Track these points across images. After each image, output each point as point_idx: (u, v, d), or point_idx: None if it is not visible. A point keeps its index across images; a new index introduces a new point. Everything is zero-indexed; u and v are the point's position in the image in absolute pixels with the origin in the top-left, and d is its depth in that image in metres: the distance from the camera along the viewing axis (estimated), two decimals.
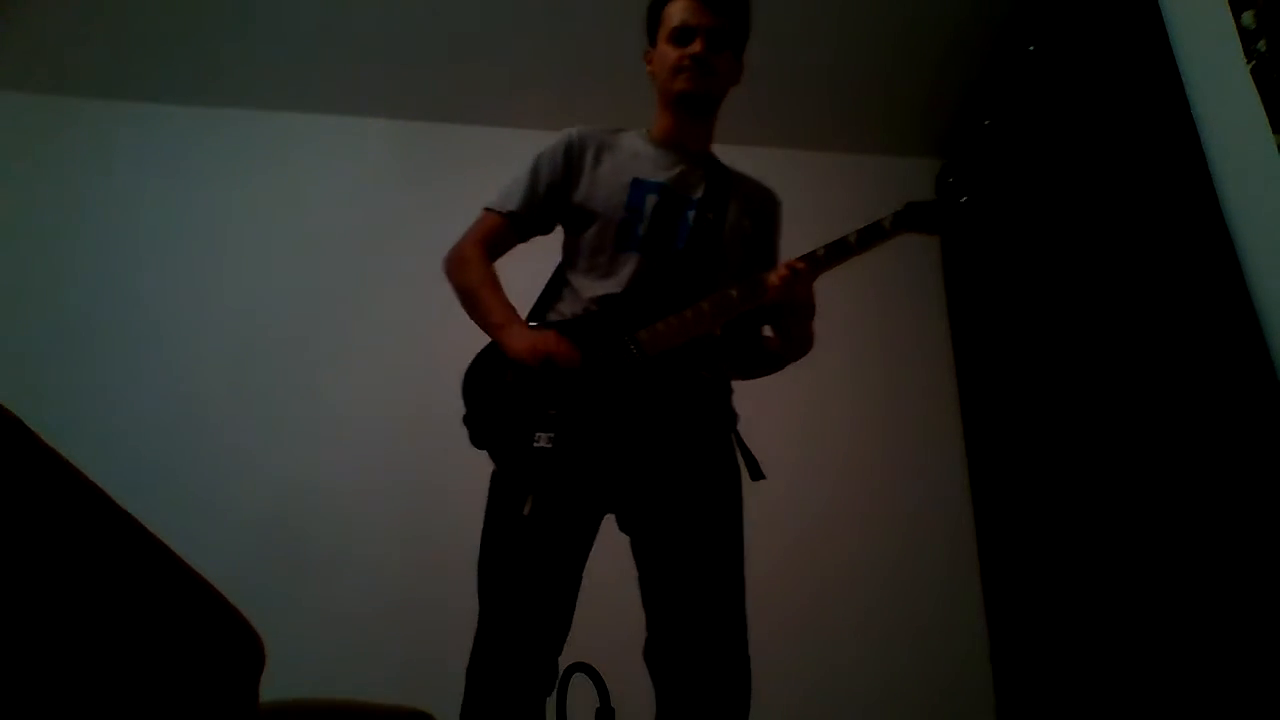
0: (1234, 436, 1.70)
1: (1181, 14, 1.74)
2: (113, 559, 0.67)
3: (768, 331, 1.58)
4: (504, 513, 1.41)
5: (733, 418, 1.53)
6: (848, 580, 2.67)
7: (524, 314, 1.51)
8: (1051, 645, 2.35)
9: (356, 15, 2.73)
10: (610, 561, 1.45)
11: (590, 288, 1.49)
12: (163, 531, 0.72)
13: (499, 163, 1.70)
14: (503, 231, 1.57)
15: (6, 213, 2.83)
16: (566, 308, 1.51)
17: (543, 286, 1.59)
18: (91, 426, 2.47)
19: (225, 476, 2.58)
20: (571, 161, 1.56)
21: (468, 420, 1.44)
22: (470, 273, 1.52)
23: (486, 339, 1.48)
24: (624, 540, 1.48)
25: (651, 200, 1.50)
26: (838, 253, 1.40)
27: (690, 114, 1.59)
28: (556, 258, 1.60)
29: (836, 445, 2.83)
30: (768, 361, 1.58)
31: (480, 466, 1.44)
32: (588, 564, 1.43)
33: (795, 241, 1.49)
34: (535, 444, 1.31)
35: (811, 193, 2.62)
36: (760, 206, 1.65)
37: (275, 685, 0.96)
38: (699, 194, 1.54)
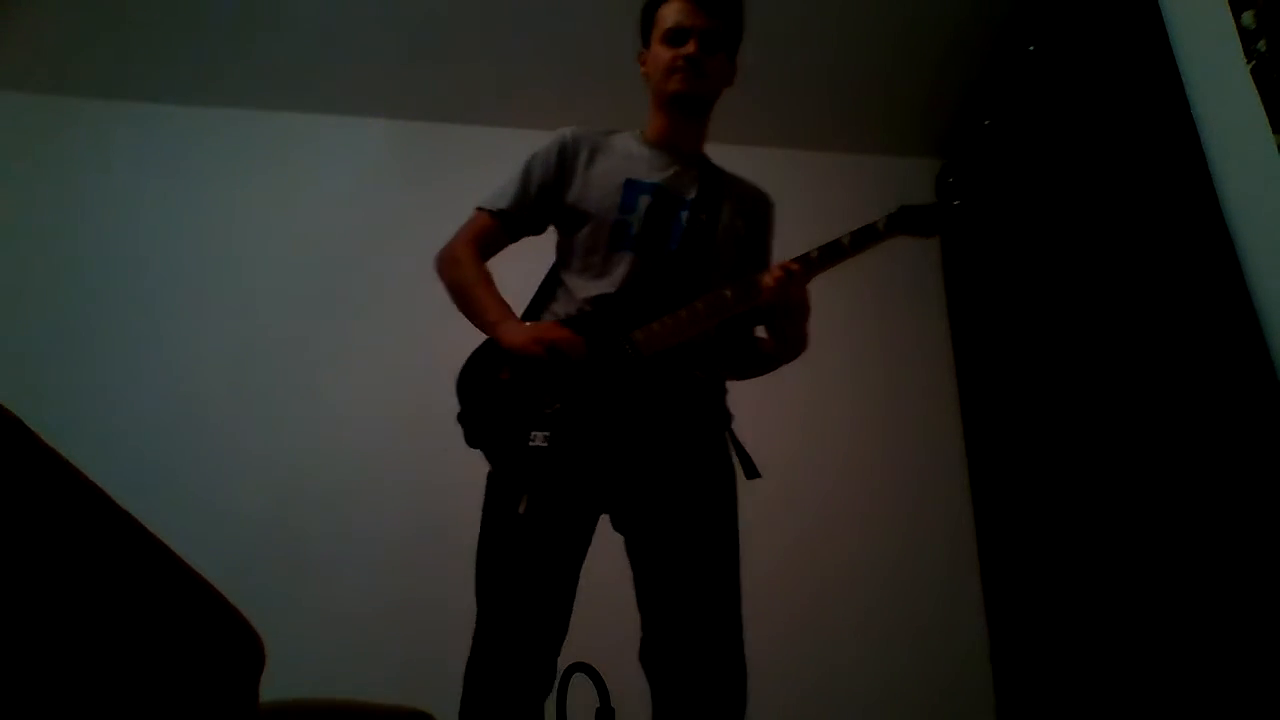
0: (1234, 436, 1.70)
1: (1181, 14, 1.74)
2: (113, 559, 0.67)
3: (761, 332, 1.58)
4: (500, 512, 1.41)
5: (727, 417, 1.53)
6: (847, 580, 2.67)
7: (518, 314, 1.51)
8: (1051, 645, 2.35)
9: (356, 15, 2.74)
10: (609, 561, 1.45)
11: (584, 288, 1.49)
12: (163, 531, 0.71)
13: (498, 163, 1.70)
14: (494, 231, 1.57)
15: (6, 213, 2.83)
16: (561, 308, 1.51)
17: (536, 287, 1.59)
18: (91, 426, 2.46)
19: (225, 476, 2.58)
20: (565, 162, 1.56)
21: (462, 419, 1.44)
22: (463, 271, 1.52)
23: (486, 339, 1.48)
24: (622, 540, 1.47)
25: (645, 201, 1.50)
26: (831, 255, 1.40)
27: (683, 115, 1.59)
28: (550, 258, 1.60)
29: (836, 445, 2.83)
30: (761, 362, 1.58)
31: (480, 466, 1.45)
32: (587, 564, 1.43)
33: (795, 242, 1.49)
34: (531, 443, 1.32)
35: (811, 193, 2.63)
36: (753, 208, 1.65)
37: (275, 685, 0.96)
38: (692, 195, 1.55)
